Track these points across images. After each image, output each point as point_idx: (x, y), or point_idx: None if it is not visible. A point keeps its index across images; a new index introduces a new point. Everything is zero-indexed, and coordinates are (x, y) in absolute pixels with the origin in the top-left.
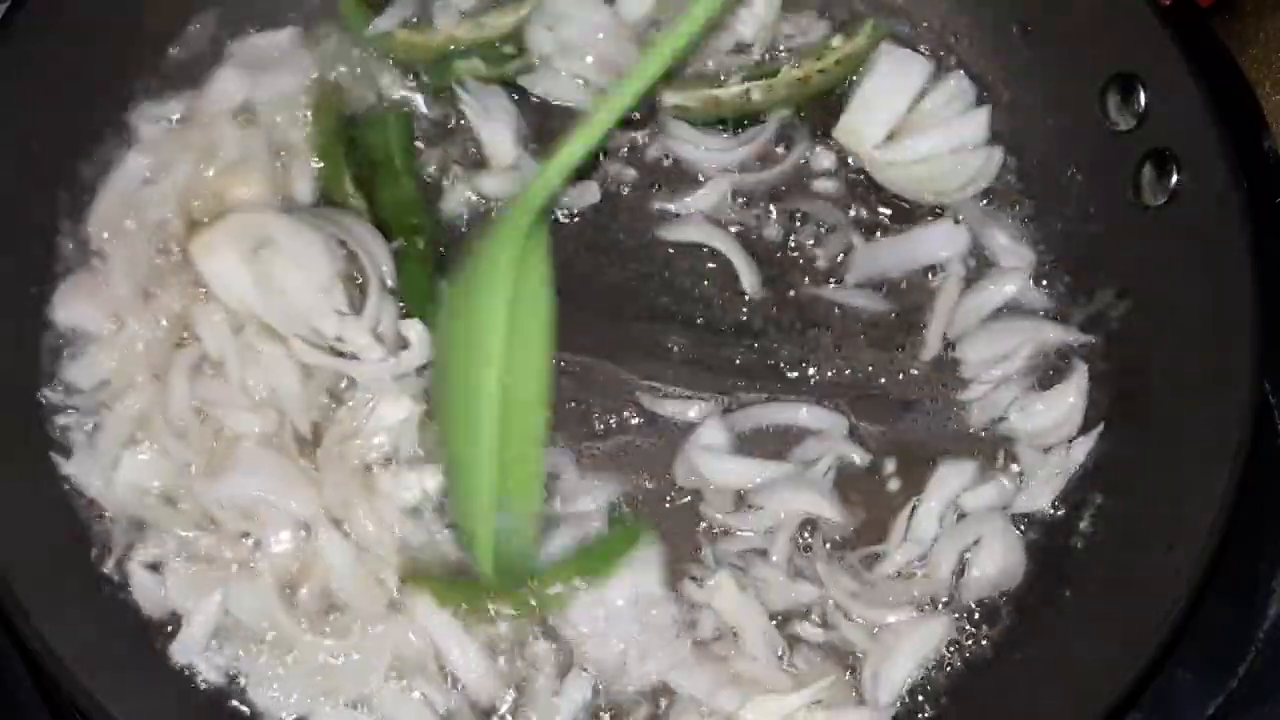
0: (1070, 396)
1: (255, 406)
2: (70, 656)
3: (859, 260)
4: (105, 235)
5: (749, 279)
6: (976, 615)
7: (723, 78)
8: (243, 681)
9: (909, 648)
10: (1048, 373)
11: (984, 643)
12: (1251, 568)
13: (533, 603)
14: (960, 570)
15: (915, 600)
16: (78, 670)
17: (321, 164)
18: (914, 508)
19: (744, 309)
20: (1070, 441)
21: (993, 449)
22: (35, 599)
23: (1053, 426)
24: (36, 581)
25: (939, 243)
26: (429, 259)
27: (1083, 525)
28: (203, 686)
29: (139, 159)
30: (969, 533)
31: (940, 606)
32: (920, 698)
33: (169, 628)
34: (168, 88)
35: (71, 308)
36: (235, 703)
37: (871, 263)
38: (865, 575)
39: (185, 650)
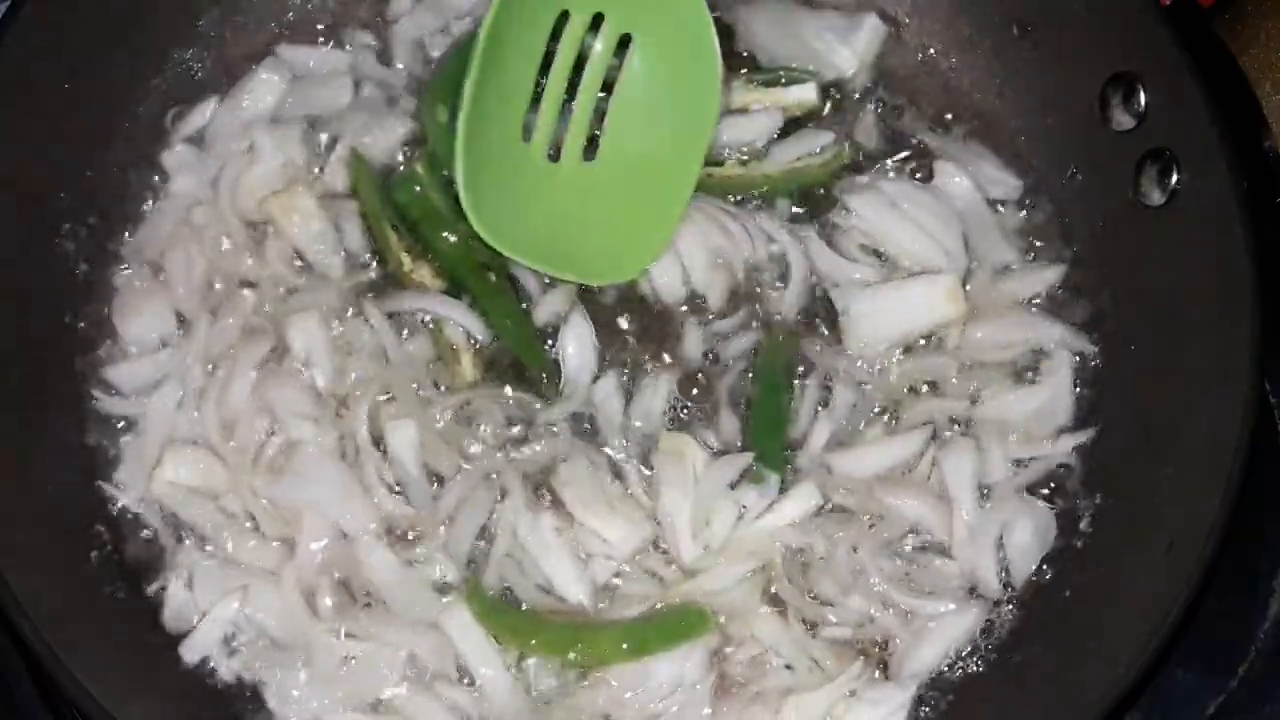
0: (1050, 391)
1: (318, 418)
2: (70, 656)
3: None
4: (157, 248)
5: None
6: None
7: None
8: (257, 685)
9: (943, 632)
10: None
11: (986, 642)
12: (1251, 568)
13: (573, 657)
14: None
15: (955, 590)
16: (78, 670)
17: (373, 236)
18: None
19: None
20: (1058, 434)
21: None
22: (36, 599)
23: (1033, 418)
24: (38, 581)
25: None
26: (506, 288)
27: (1083, 525)
28: (213, 689)
29: (179, 182)
30: (995, 517)
31: (979, 595)
32: (920, 698)
33: (179, 629)
34: (190, 99)
35: (132, 315)
36: (248, 706)
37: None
38: (913, 563)
39: (196, 649)
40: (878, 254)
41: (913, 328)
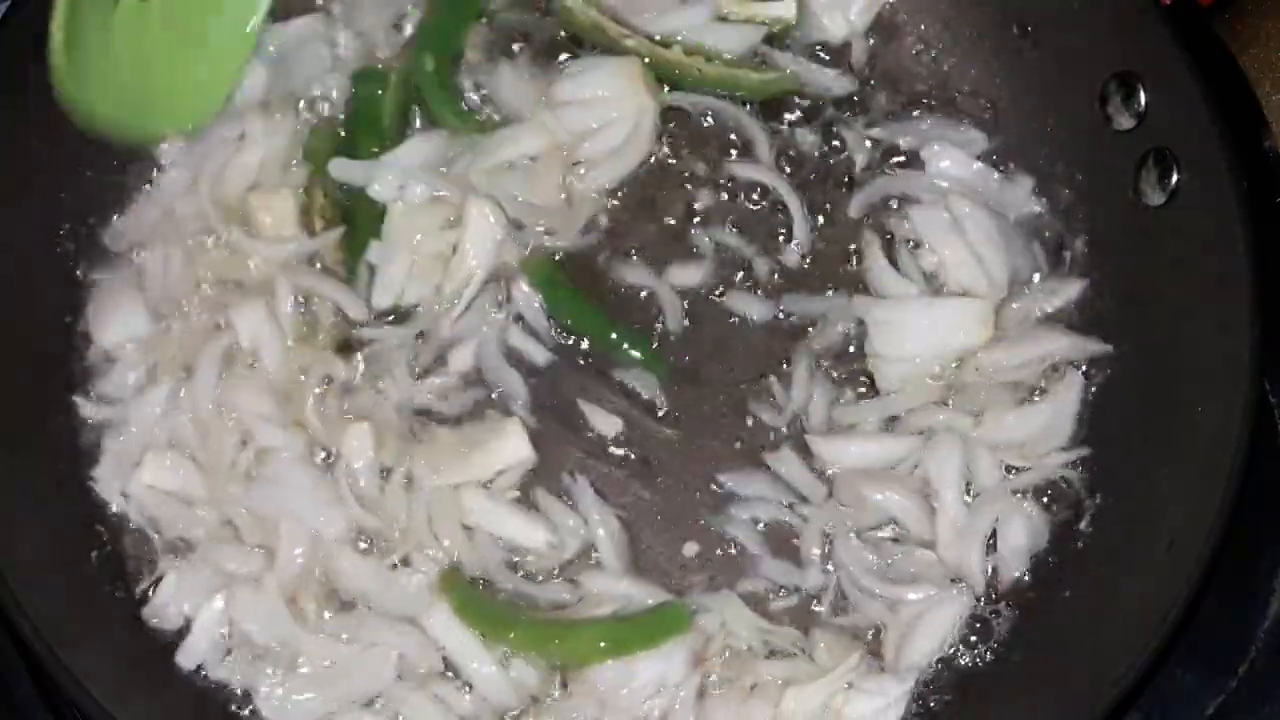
0: (1053, 412)
1: (287, 423)
2: (70, 656)
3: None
4: (137, 242)
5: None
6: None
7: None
8: (252, 692)
9: (935, 620)
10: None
11: (983, 643)
12: (1251, 568)
13: (557, 663)
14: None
15: (937, 576)
16: (78, 670)
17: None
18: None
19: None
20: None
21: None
22: (36, 599)
23: (1033, 437)
24: (38, 581)
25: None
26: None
27: (1083, 525)
28: (213, 689)
29: (170, 174)
30: (986, 514)
31: (965, 586)
32: (920, 697)
33: (164, 628)
34: None
35: (107, 317)
36: (248, 706)
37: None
38: (887, 553)
39: (191, 655)
40: (923, 271)
41: (940, 349)
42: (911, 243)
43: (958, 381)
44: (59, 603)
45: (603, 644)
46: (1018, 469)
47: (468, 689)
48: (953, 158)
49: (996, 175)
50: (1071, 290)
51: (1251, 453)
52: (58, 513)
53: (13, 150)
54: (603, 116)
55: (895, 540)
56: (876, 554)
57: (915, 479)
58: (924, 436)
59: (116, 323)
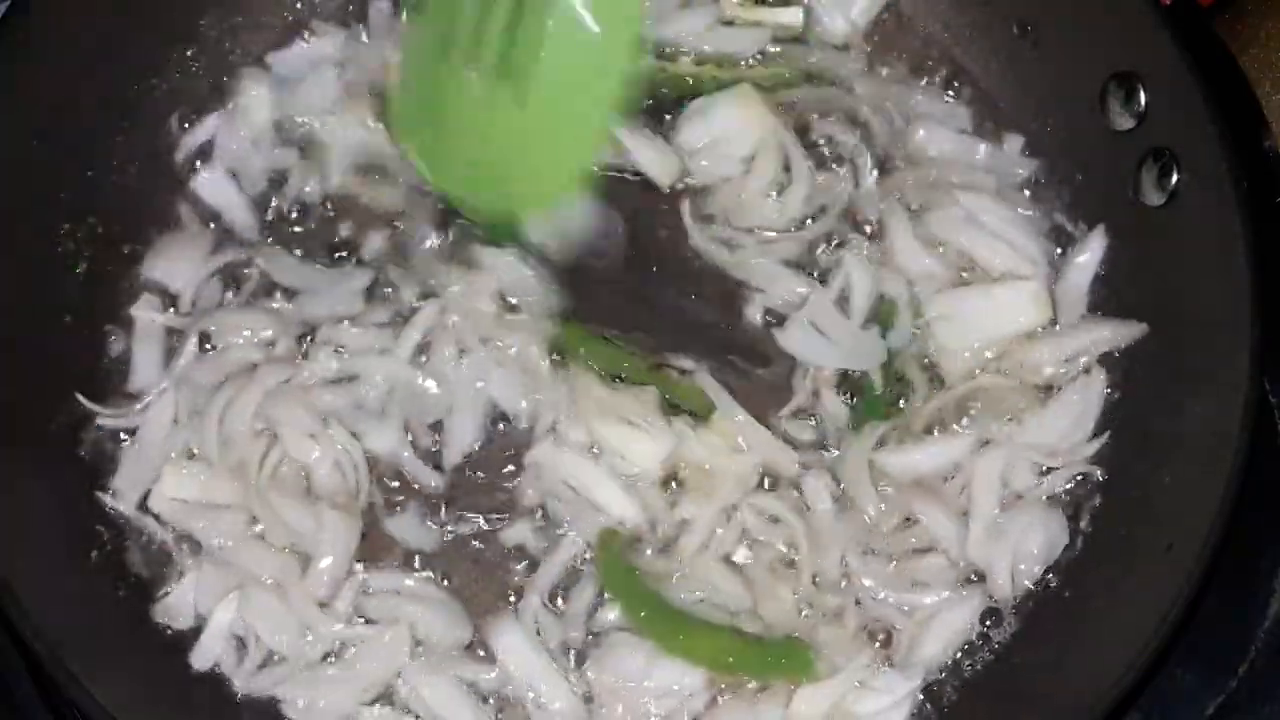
0: (1081, 407)
1: (320, 433)
2: (70, 656)
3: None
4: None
5: None
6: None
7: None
8: (276, 698)
9: (946, 620)
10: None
11: (985, 643)
12: (1251, 568)
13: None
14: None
15: (949, 580)
16: (78, 670)
17: None
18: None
19: None
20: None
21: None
22: (36, 599)
23: (1064, 435)
24: (39, 581)
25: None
26: None
27: (1083, 525)
28: (215, 690)
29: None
30: (1019, 519)
31: (975, 585)
32: (924, 697)
33: (177, 629)
34: (193, 99)
35: (175, 260)
36: (251, 707)
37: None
38: (904, 563)
39: (205, 656)
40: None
41: (997, 334)
42: (937, 244)
43: (993, 386)
44: (59, 603)
45: (731, 659)
46: (1046, 470)
47: (490, 668)
48: (943, 134)
49: (985, 145)
50: (1098, 241)
51: (1251, 453)
52: (58, 512)
53: (12, 150)
54: (738, 152)
55: (911, 554)
56: (888, 564)
57: (960, 497)
58: (972, 436)
59: (184, 265)
